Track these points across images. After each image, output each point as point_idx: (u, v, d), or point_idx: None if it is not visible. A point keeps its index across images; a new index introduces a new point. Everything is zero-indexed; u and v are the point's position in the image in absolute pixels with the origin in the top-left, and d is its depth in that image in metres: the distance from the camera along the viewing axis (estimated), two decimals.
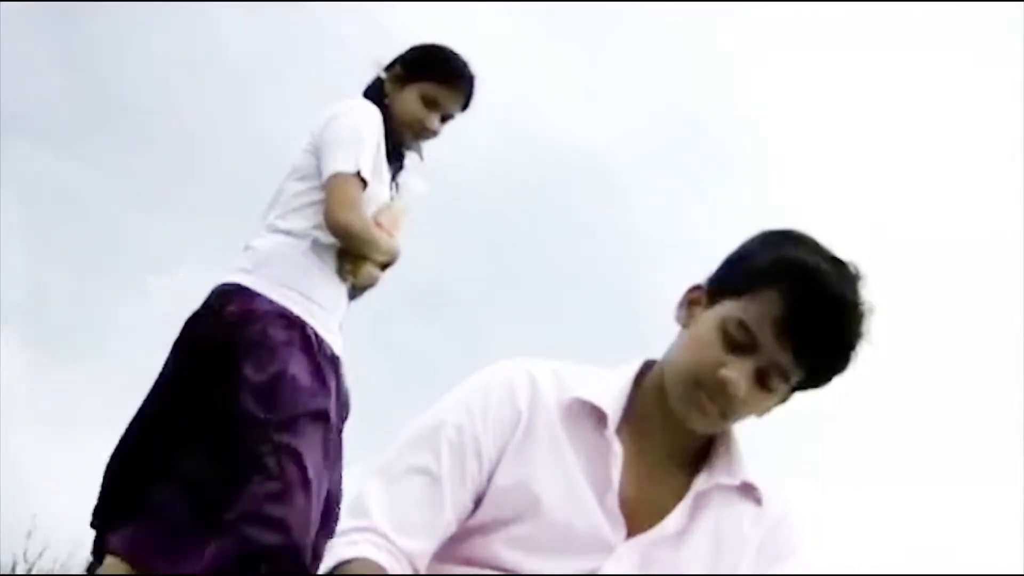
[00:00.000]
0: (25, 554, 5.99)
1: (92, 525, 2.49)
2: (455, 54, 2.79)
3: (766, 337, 1.37)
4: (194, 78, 7.95)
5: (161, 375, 2.53)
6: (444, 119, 2.78)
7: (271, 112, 7.99)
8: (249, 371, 2.38)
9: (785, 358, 1.38)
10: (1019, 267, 6.15)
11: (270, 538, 2.27)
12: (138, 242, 8.49)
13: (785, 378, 1.40)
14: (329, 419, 2.42)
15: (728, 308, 1.41)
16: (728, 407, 1.40)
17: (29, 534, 6.00)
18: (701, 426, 1.44)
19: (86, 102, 8.34)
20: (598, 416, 1.44)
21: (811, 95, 7.76)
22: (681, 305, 1.49)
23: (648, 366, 1.51)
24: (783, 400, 1.47)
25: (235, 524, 2.29)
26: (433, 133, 2.77)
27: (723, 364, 1.38)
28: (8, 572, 5.83)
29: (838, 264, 1.39)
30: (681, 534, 1.43)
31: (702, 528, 1.45)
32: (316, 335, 2.48)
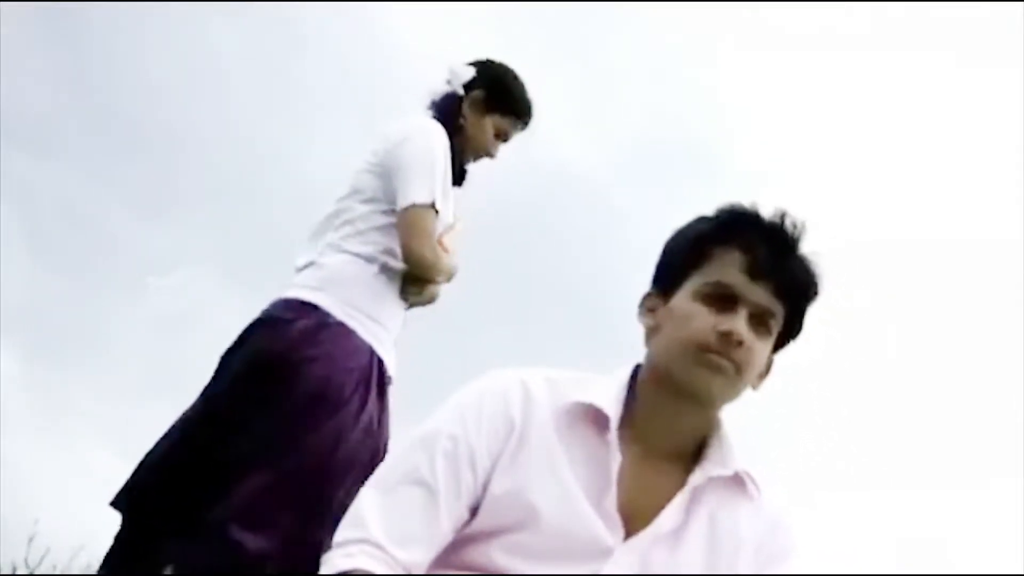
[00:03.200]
0: (26, 560, 5.99)
1: (121, 509, 2.42)
2: (526, 88, 2.83)
3: (744, 285, 1.45)
4: (187, 84, 7.96)
5: (213, 383, 2.50)
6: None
7: (264, 117, 8.01)
8: (301, 384, 2.38)
9: (766, 296, 1.46)
10: (1018, 267, 6.16)
11: (255, 543, 2.26)
12: (135, 247, 8.50)
13: (773, 316, 1.47)
14: (348, 440, 2.40)
15: (696, 281, 1.47)
16: (741, 359, 1.44)
17: (31, 539, 5.97)
18: (719, 387, 1.45)
19: (81, 110, 8.35)
20: (598, 419, 1.45)
21: (807, 114, 7.78)
22: (642, 313, 1.53)
23: (640, 368, 1.52)
24: (773, 352, 1.52)
25: (222, 525, 2.27)
26: (492, 159, 2.82)
27: (718, 323, 1.43)
28: (9, 573, 5.83)
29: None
30: (677, 531, 1.45)
31: (698, 524, 1.46)
32: (380, 361, 2.51)
